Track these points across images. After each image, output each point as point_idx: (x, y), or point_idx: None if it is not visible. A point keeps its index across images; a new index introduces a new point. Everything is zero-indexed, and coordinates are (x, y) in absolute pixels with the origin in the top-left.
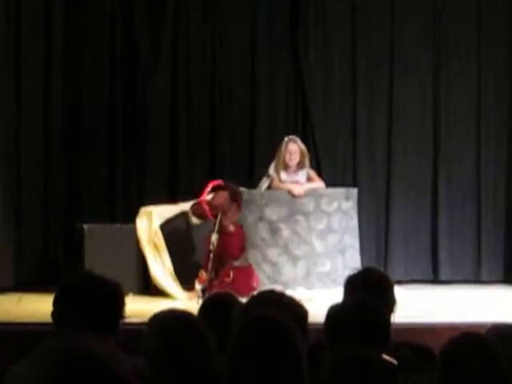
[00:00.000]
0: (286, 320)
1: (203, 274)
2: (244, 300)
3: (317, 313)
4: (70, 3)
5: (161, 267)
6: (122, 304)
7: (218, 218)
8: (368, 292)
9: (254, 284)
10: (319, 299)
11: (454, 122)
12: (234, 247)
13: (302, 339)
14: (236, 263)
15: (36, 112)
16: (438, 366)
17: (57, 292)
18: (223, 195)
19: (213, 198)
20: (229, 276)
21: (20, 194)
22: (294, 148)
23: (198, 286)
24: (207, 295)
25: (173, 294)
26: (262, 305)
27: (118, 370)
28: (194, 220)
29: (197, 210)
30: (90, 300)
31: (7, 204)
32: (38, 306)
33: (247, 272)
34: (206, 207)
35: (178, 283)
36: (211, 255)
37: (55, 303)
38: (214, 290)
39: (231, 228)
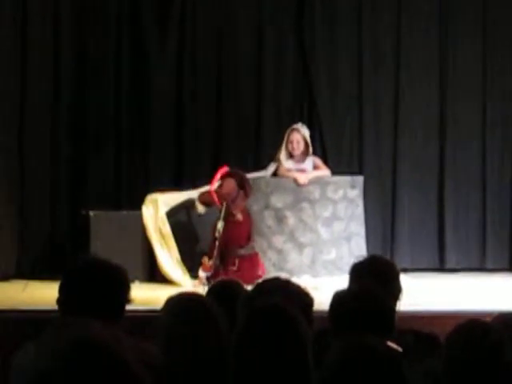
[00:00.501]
0: (291, 308)
1: (207, 261)
2: (249, 288)
3: (322, 300)
4: (76, 2)
5: (167, 255)
6: (126, 288)
7: (224, 205)
8: (374, 280)
9: (260, 273)
10: (325, 287)
11: (460, 108)
12: (240, 236)
13: (307, 327)
14: (242, 251)
15: (43, 99)
16: (443, 353)
17: (61, 278)
18: (231, 183)
19: (221, 187)
20: (234, 264)
21: (25, 180)
22: (297, 137)
23: (201, 274)
24: (212, 283)
25: (179, 282)
26: (267, 292)
27: (122, 356)
28: (200, 208)
29: (205, 199)
30: (94, 285)
31: (12, 191)
32: (43, 293)
33: (253, 261)
34: (215, 196)
35: (186, 271)
36: (217, 242)
37: (60, 290)
38: (220, 278)
39: (239, 217)
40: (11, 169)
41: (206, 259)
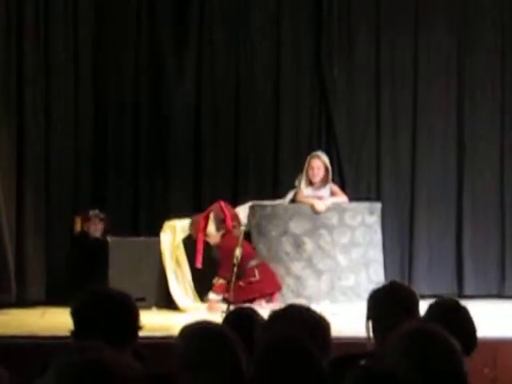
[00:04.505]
0: (307, 339)
1: (219, 282)
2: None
3: (340, 327)
4: (96, 17)
5: (180, 283)
6: (132, 314)
7: (241, 234)
8: (394, 306)
9: (278, 278)
10: (343, 313)
11: (478, 134)
12: (247, 247)
13: (323, 357)
14: (254, 262)
15: (64, 125)
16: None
17: (71, 309)
18: (214, 235)
19: (208, 236)
20: (254, 275)
21: (48, 207)
22: (317, 164)
23: (212, 296)
24: (231, 306)
25: (188, 309)
26: (284, 320)
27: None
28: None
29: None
30: (99, 316)
31: (35, 218)
32: (61, 319)
33: (268, 268)
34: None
35: (197, 298)
36: (235, 269)
37: (72, 318)
38: (241, 295)
39: (236, 232)
40: (36, 196)
41: (218, 279)
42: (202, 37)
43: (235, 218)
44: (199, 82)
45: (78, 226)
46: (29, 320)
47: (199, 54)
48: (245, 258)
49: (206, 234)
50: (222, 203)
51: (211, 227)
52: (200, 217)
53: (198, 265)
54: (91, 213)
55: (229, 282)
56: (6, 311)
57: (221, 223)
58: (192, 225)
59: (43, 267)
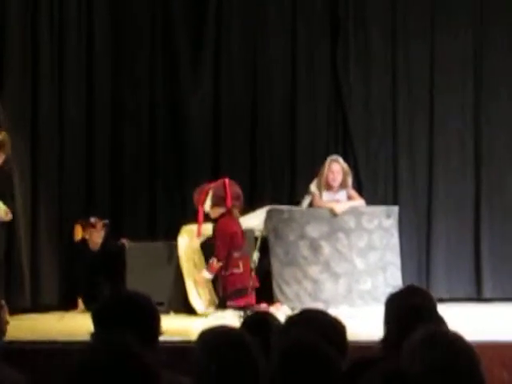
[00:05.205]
0: (324, 344)
1: (215, 263)
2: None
3: (357, 330)
4: (111, 19)
5: (199, 288)
6: (154, 317)
7: (259, 238)
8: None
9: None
10: (360, 316)
11: (496, 137)
12: (240, 236)
13: (340, 362)
14: (238, 254)
15: (80, 131)
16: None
17: (92, 313)
18: (208, 211)
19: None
20: (239, 267)
21: (62, 213)
22: (336, 168)
23: (206, 274)
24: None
25: (204, 314)
26: (300, 325)
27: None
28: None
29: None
30: (121, 318)
31: (52, 223)
32: (78, 324)
33: (249, 263)
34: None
35: (213, 302)
36: (253, 273)
37: (93, 323)
38: (224, 286)
39: (236, 213)
40: (50, 201)
41: (214, 261)
42: (219, 40)
43: (237, 197)
44: (216, 86)
45: (79, 234)
46: (46, 324)
47: (215, 58)
48: (230, 248)
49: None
50: (227, 181)
51: (207, 202)
52: (204, 188)
53: (198, 235)
54: (93, 220)
55: (247, 288)
56: (20, 316)
57: (220, 201)
58: (195, 194)
59: (56, 272)
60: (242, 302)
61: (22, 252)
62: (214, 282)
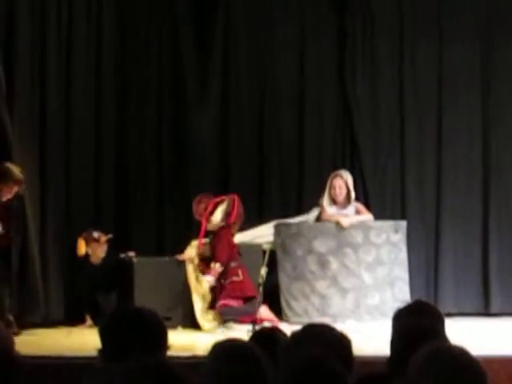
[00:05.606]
0: (331, 359)
1: (217, 267)
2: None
3: (364, 345)
4: (119, 42)
5: (200, 301)
6: (161, 332)
7: (267, 253)
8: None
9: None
10: (366, 331)
11: (504, 151)
12: (234, 248)
13: (348, 377)
14: (236, 263)
15: (87, 146)
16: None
17: (99, 329)
18: (215, 224)
19: (210, 222)
20: (238, 275)
21: (70, 229)
22: (339, 183)
23: (208, 278)
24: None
25: (207, 329)
26: (307, 340)
27: None
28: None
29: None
30: (128, 334)
31: (59, 237)
32: (86, 340)
33: (247, 272)
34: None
35: (215, 317)
36: (260, 288)
37: (100, 338)
38: (223, 294)
39: (234, 230)
40: (58, 215)
41: (217, 265)
42: (226, 51)
43: (240, 217)
44: (224, 99)
45: (82, 248)
46: (54, 340)
47: (223, 70)
48: (229, 258)
49: (208, 219)
50: (237, 198)
51: (217, 215)
52: (210, 201)
53: (200, 247)
54: (96, 234)
55: (258, 302)
56: (31, 331)
57: (226, 215)
58: (197, 204)
59: (62, 287)
60: (247, 320)
61: (36, 266)
62: (214, 294)
